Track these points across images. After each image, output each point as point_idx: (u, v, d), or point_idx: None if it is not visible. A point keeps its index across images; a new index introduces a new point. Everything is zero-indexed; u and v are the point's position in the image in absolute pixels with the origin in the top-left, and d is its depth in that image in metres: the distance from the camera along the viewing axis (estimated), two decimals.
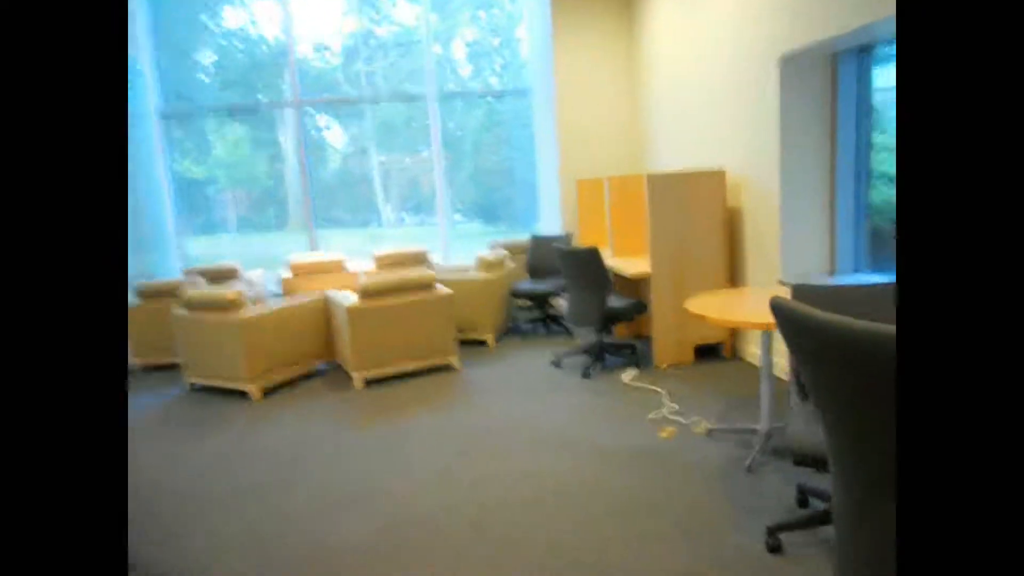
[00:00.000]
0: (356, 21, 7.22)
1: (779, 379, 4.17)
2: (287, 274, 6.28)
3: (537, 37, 6.88)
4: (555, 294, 5.84)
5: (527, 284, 5.96)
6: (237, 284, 5.82)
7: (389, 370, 4.77)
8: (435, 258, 6.50)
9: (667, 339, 4.68)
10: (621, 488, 2.92)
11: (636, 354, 4.99)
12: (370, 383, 4.73)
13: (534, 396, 4.26)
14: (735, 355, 4.83)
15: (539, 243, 6.34)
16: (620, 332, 5.63)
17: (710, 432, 3.45)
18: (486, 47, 7.56)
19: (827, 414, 1.30)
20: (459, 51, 7.54)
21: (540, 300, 6.21)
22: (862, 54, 3.80)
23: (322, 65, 7.35)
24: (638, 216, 5.39)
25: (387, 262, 6.23)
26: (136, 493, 3.23)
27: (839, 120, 3.96)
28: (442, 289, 4.91)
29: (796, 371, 2.45)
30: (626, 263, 5.01)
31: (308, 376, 5.06)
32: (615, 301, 4.67)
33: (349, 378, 4.71)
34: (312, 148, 7.31)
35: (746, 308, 3.32)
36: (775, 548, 2.35)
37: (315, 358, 5.09)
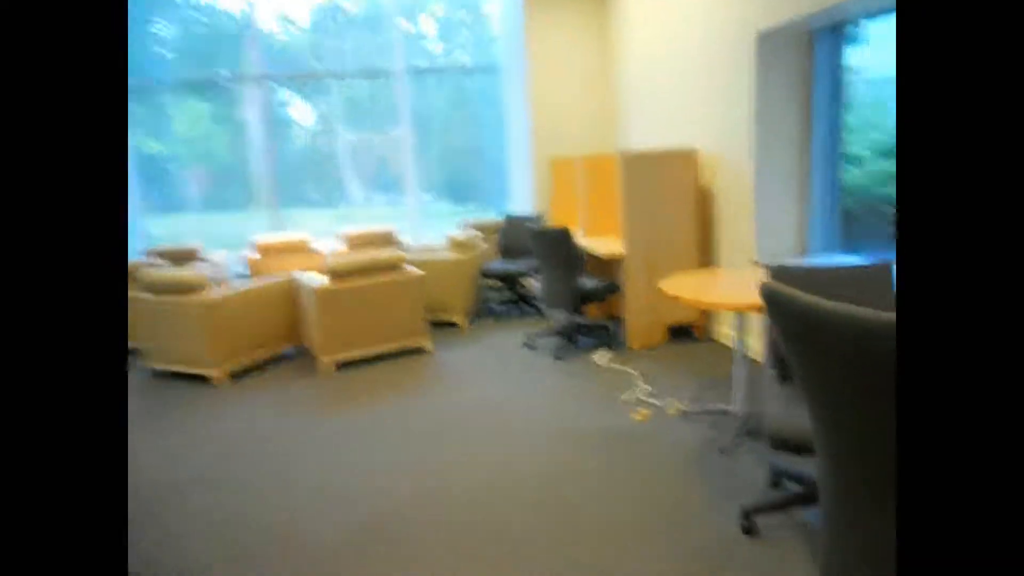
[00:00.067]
0: None
1: (752, 360, 4.18)
2: (253, 255, 6.11)
3: (508, 13, 6.74)
4: (527, 274, 5.79)
5: (499, 264, 5.89)
6: (200, 265, 5.65)
7: (358, 353, 4.68)
8: (404, 238, 6.39)
9: (640, 320, 4.66)
10: (596, 473, 2.89)
11: (609, 335, 4.97)
12: (339, 367, 4.64)
13: (507, 379, 4.21)
14: (708, 336, 4.84)
15: (512, 223, 6.26)
16: (592, 313, 5.60)
17: (684, 414, 3.44)
18: (456, 22, 7.40)
19: (821, 410, 1.25)
20: (428, 27, 7.37)
21: (512, 280, 6.15)
22: (836, 33, 3.76)
23: (287, 39, 7.13)
24: (610, 195, 5.34)
25: (356, 242, 6.10)
26: None
27: (814, 100, 3.94)
28: (412, 270, 4.82)
29: (773, 353, 2.43)
30: (598, 243, 4.97)
31: (275, 360, 4.94)
32: (587, 282, 4.63)
33: (317, 362, 4.61)
34: (277, 125, 7.10)
35: (721, 289, 3.31)
36: (750, 530, 2.35)
37: (282, 341, 4.97)
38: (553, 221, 6.31)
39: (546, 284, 4.69)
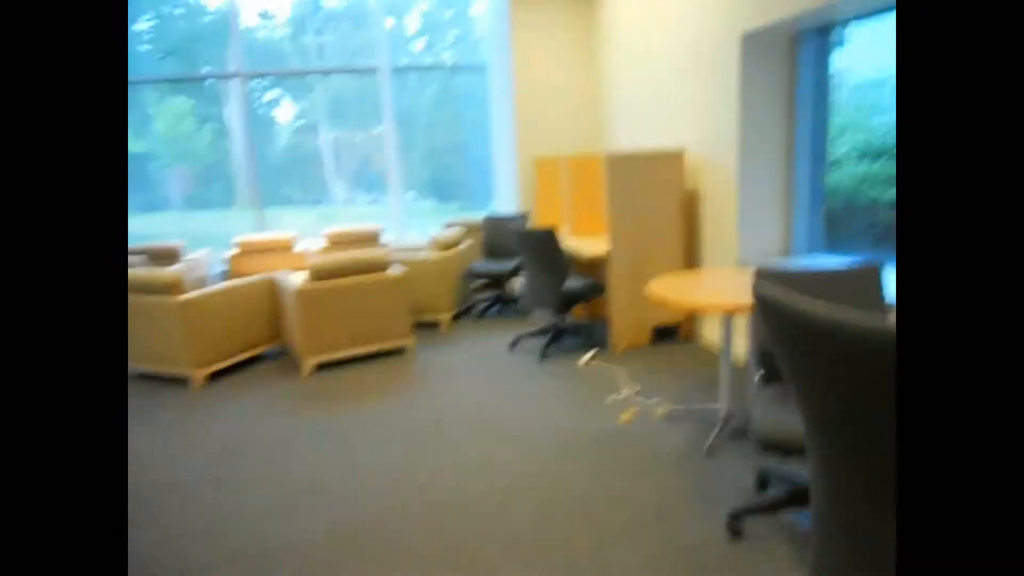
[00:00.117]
0: None
1: (738, 361, 4.17)
2: (235, 254, 6.02)
3: (493, 12, 6.70)
4: (511, 274, 5.75)
5: (483, 264, 5.85)
6: (179, 264, 5.56)
7: (340, 354, 4.61)
8: (388, 237, 6.33)
9: (625, 321, 4.64)
10: (581, 476, 2.86)
11: (593, 336, 4.95)
12: (321, 368, 4.57)
13: (490, 380, 4.17)
14: (692, 337, 4.83)
15: (495, 223, 6.22)
16: (577, 313, 5.58)
17: (669, 415, 3.42)
18: (440, 20, 7.36)
19: (814, 412, 1.23)
20: (413, 24, 7.32)
21: (496, 281, 6.11)
22: (821, 36, 3.77)
23: (269, 35, 7.04)
24: (596, 196, 5.32)
25: (338, 241, 6.03)
26: None
27: (798, 102, 3.94)
28: (395, 270, 4.76)
29: (760, 355, 2.41)
30: (584, 243, 4.95)
31: (255, 361, 4.86)
32: (572, 282, 4.60)
33: (299, 363, 4.54)
34: (260, 123, 7.01)
35: (707, 291, 3.29)
36: (737, 533, 2.33)
37: (263, 342, 4.89)
38: (538, 221, 6.27)
39: (531, 285, 4.66)
